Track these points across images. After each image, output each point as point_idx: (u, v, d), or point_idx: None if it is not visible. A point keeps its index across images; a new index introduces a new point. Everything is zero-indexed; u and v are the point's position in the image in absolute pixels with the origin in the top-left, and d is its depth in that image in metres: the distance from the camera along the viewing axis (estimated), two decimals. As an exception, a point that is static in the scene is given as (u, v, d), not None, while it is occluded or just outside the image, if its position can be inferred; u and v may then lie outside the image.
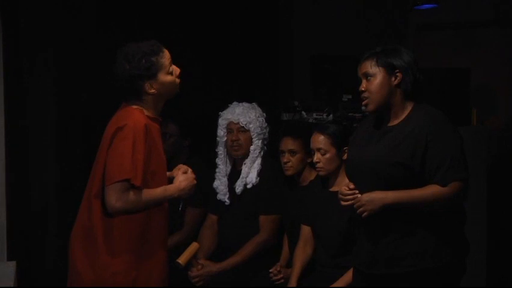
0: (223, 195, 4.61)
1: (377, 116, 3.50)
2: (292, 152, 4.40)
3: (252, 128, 4.54)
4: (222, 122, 4.61)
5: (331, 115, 4.99)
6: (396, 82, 3.43)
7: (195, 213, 4.91)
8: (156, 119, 3.45)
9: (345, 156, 4.00)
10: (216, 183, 4.65)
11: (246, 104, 4.61)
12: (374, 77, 3.43)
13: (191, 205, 4.87)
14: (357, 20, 6.07)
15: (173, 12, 5.66)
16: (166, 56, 3.40)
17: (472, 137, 4.84)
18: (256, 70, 5.96)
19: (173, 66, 3.45)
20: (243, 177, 4.54)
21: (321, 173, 4.11)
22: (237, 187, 4.56)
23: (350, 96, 4.95)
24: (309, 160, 4.37)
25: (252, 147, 4.55)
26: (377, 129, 3.48)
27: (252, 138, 4.55)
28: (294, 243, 4.32)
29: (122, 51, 3.40)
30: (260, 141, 4.56)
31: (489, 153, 5.17)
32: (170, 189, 3.41)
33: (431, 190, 3.28)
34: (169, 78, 3.42)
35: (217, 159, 4.68)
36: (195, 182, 3.48)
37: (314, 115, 5.03)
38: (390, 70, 3.43)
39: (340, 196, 3.43)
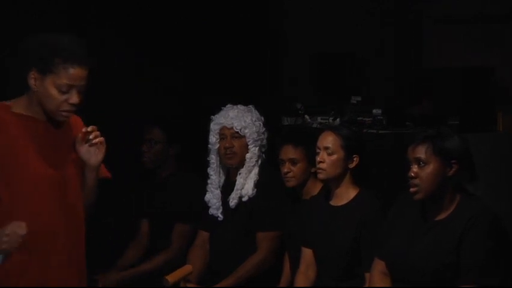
0: (215, 209, 4.45)
1: (421, 202, 3.51)
2: (293, 162, 4.21)
3: (248, 134, 4.39)
4: (214, 127, 4.45)
5: (338, 119, 4.95)
6: (451, 173, 3.42)
7: (183, 230, 4.72)
8: (31, 117, 3.15)
9: (353, 165, 3.91)
10: (207, 196, 4.48)
11: (241, 107, 4.46)
12: (428, 165, 3.41)
13: (179, 221, 4.72)
14: (359, 15, 6.07)
15: (165, 10, 5.58)
16: (69, 75, 3.09)
17: (498, 144, 4.73)
18: (253, 70, 5.87)
19: (74, 94, 3.12)
20: (237, 189, 4.39)
21: (320, 176, 3.95)
22: (231, 200, 4.39)
23: (359, 98, 4.93)
24: (313, 170, 4.16)
25: (247, 155, 4.39)
26: (422, 221, 3.49)
27: (247, 145, 4.40)
28: (296, 263, 4.14)
29: (48, 34, 3.14)
30: (257, 148, 4.41)
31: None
32: None
33: None
34: (53, 92, 3.11)
35: (208, 169, 4.50)
36: (20, 240, 2.98)
37: (319, 119, 5.02)
38: (446, 160, 3.41)
39: None
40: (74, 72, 3.09)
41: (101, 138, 3.19)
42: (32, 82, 3.10)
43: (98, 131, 3.19)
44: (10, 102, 3.17)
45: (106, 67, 4.67)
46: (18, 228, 2.96)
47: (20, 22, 4.60)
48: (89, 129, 3.18)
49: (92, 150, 3.19)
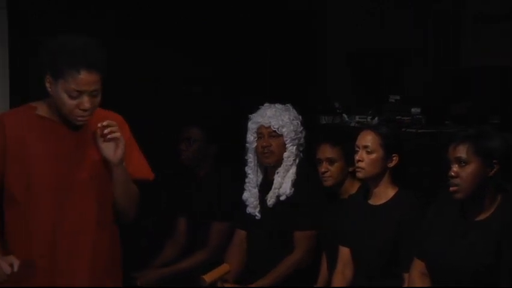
0: (253, 208, 4.43)
1: (461, 202, 3.47)
2: (330, 161, 4.20)
3: (285, 133, 4.36)
4: (252, 126, 4.44)
5: (376, 118, 4.93)
6: (492, 173, 3.37)
7: (221, 229, 4.71)
8: (53, 121, 3.14)
9: (392, 164, 3.88)
10: (245, 195, 4.47)
11: (278, 106, 4.44)
12: (468, 164, 3.36)
13: (216, 220, 4.71)
14: (397, 14, 6.03)
15: (198, 7, 5.57)
16: (76, 80, 3.03)
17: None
18: (290, 68, 5.84)
19: (85, 99, 3.05)
20: (275, 188, 4.36)
21: (359, 175, 3.94)
22: (268, 199, 4.38)
23: (398, 97, 4.92)
24: (350, 169, 4.15)
25: (285, 154, 4.37)
26: (462, 220, 3.45)
27: (285, 144, 4.38)
28: (333, 262, 4.11)
29: (63, 37, 3.09)
30: (294, 147, 4.38)
31: None
32: None
33: None
34: (64, 97, 3.05)
35: (246, 168, 4.49)
36: (5, 278, 3.00)
37: (357, 118, 5.01)
38: (487, 159, 3.36)
39: None
40: (83, 78, 3.01)
41: (117, 134, 3.09)
42: (48, 86, 3.07)
43: (114, 126, 3.11)
44: (37, 104, 3.15)
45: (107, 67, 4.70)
46: (5, 267, 2.97)
47: (20, 22, 4.63)
48: (105, 123, 3.10)
49: (111, 146, 3.10)
